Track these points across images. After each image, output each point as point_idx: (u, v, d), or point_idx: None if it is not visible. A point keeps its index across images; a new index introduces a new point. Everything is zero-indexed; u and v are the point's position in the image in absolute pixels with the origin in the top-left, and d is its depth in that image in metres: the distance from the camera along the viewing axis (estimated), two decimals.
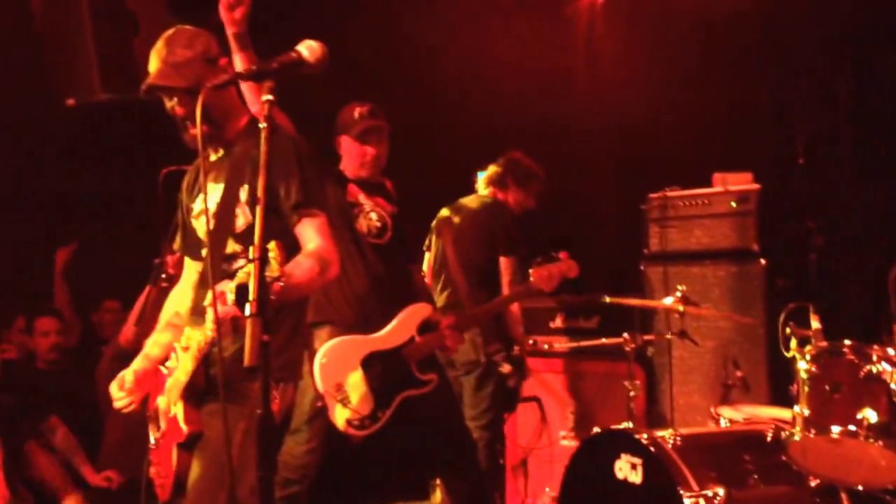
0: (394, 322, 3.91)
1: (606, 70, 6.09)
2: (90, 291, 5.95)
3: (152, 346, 3.02)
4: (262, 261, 2.15)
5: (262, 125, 2.25)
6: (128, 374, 2.95)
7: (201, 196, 2.89)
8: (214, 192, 2.88)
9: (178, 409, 2.82)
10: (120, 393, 2.94)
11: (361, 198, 4.00)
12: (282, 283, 2.21)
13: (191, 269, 3.08)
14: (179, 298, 3.06)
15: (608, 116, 6.05)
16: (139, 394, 2.95)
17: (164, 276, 4.30)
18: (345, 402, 3.82)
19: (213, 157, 2.95)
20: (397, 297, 3.98)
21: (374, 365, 3.88)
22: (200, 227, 2.94)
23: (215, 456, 2.74)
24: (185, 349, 2.83)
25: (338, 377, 3.80)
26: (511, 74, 6.04)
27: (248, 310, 2.06)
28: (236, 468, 2.57)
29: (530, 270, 4.34)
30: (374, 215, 3.99)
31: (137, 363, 2.99)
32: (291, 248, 2.68)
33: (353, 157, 3.96)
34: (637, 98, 5.79)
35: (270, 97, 2.28)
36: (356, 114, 3.95)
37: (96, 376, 4.96)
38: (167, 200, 4.00)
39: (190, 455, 2.83)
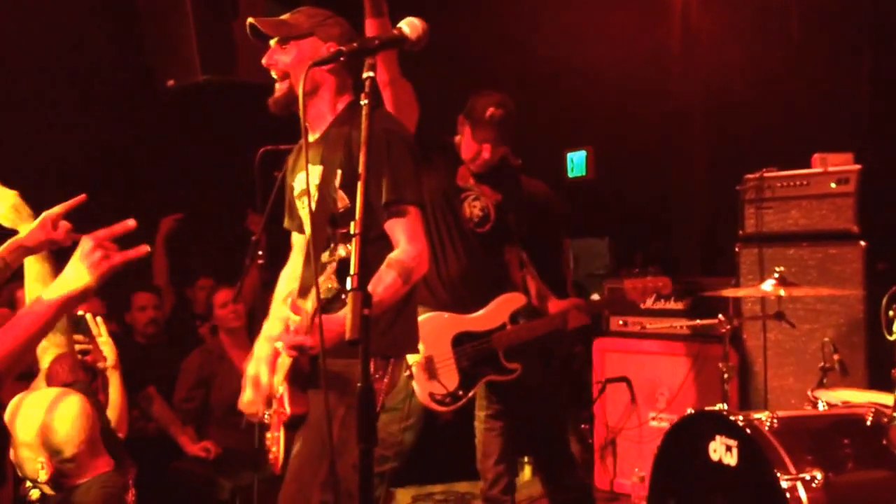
0: (488, 307, 3.97)
1: (702, 50, 6.00)
2: (185, 267, 6.11)
3: (273, 324, 3.07)
4: (364, 237, 2.18)
5: (363, 102, 2.28)
6: (262, 376, 2.99)
7: (301, 176, 2.95)
8: (314, 173, 2.93)
9: (284, 391, 2.89)
10: (252, 397, 2.99)
11: (471, 182, 4.04)
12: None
13: (299, 246, 3.14)
14: (292, 275, 3.12)
15: (704, 97, 5.97)
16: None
17: (260, 252, 4.39)
18: (432, 375, 3.88)
19: (311, 138, 3.00)
20: (492, 286, 4.03)
21: (463, 345, 3.95)
22: (302, 207, 3.00)
23: (317, 432, 2.80)
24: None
25: (429, 350, 3.85)
26: (605, 58, 6.00)
27: (349, 283, 2.09)
28: (338, 444, 2.63)
29: (625, 280, 4.36)
30: (478, 203, 4.02)
31: (261, 348, 3.04)
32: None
33: (469, 148, 4.00)
34: (734, 78, 5.70)
35: (372, 74, 2.30)
36: (487, 113, 3.96)
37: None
38: (263, 179, 4.10)
39: (294, 434, 2.90)
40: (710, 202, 5.86)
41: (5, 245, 3.04)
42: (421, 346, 3.86)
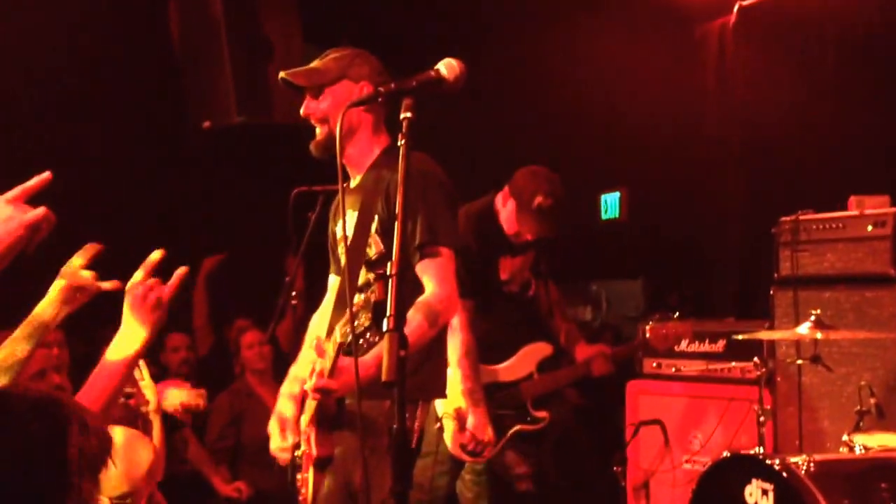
0: (515, 356, 4.02)
1: (738, 91, 6.00)
2: (223, 307, 6.15)
3: (301, 365, 3.08)
4: (401, 277, 2.19)
5: (401, 143, 2.30)
6: (288, 413, 3.00)
7: (340, 222, 3.00)
8: (351, 218, 2.96)
9: (312, 432, 2.90)
10: (281, 442, 2.99)
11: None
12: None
13: (333, 289, 3.17)
14: (324, 317, 3.14)
15: (740, 138, 5.96)
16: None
17: (294, 293, 4.41)
18: (462, 426, 3.88)
19: (352, 184, 3.03)
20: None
21: (492, 395, 3.96)
22: (341, 252, 3.03)
23: (342, 474, 2.81)
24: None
25: (459, 401, 3.85)
26: (640, 97, 6.02)
27: (385, 325, 2.10)
28: (365, 488, 2.63)
29: (647, 327, 4.36)
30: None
31: (289, 387, 3.05)
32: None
33: (511, 226, 4.18)
34: (769, 119, 5.69)
35: (409, 115, 2.32)
36: (535, 203, 4.05)
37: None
38: (296, 220, 4.13)
39: (322, 475, 2.91)
40: (745, 244, 5.83)
41: None
42: (449, 400, 3.87)
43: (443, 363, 3.05)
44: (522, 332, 4.29)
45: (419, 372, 2.88)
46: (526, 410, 4.02)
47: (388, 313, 2.10)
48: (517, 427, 4.03)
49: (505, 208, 4.10)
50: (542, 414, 4.03)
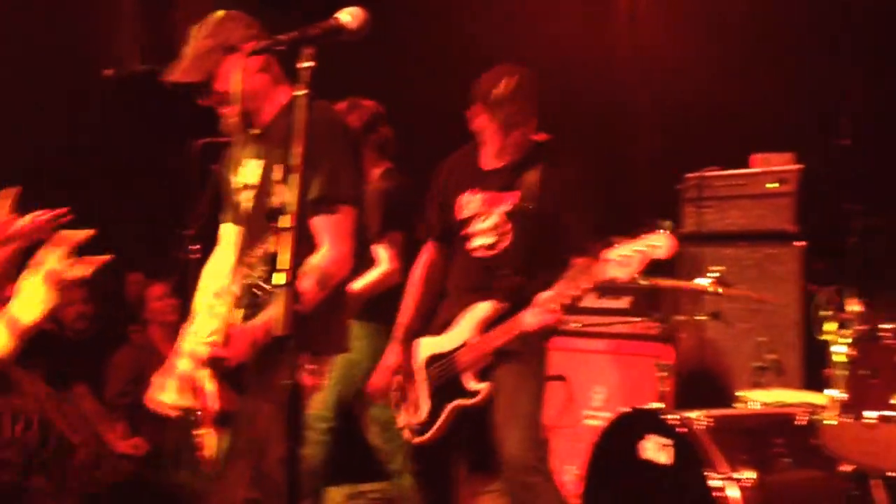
0: (456, 322, 3.70)
1: (649, 49, 6.01)
2: (118, 261, 5.97)
3: (198, 319, 3.01)
4: (299, 232, 2.13)
5: (299, 93, 2.23)
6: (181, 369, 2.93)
7: (240, 171, 2.93)
8: (253, 168, 2.90)
9: (212, 387, 2.83)
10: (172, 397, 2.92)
11: None
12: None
13: (227, 240, 3.09)
14: (218, 268, 3.07)
15: (649, 96, 5.98)
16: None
17: (193, 247, 4.31)
18: (405, 406, 3.82)
19: (255, 132, 2.96)
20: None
21: (430, 371, 3.78)
22: (240, 202, 2.96)
23: (244, 429, 2.77)
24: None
25: (404, 378, 3.81)
26: (550, 56, 5.97)
27: (281, 278, 2.05)
28: (263, 441, 2.59)
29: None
30: None
31: (187, 342, 2.98)
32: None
33: None
34: (679, 78, 5.72)
35: (310, 64, 2.25)
36: None
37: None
38: (201, 172, 4.02)
39: (223, 431, 2.86)
40: (652, 200, 5.87)
41: None
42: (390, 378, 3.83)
43: (346, 319, 3.01)
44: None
45: (324, 328, 2.85)
46: (461, 385, 3.64)
47: (282, 267, 2.04)
48: (454, 403, 3.65)
49: None
50: (480, 385, 3.58)
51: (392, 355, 3.84)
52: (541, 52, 5.99)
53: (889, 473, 3.21)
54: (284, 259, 2.06)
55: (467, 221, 3.71)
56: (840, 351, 3.18)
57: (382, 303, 4.21)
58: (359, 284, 4.16)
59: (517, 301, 3.56)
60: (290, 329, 2.01)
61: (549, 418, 5.07)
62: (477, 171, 3.73)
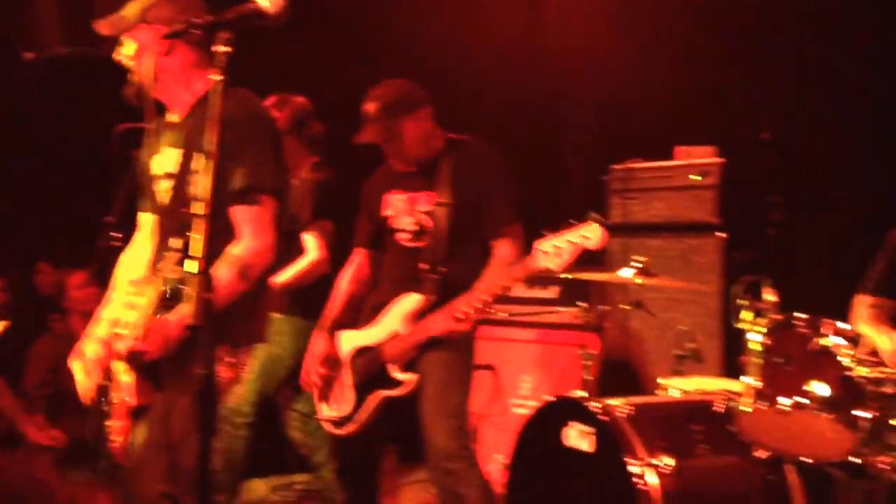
0: (383, 314, 3.74)
1: (577, 43, 6.05)
2: (34, 249, 5.86)
3: (112, 307, 2.97)
4: (213, 219, 2.11)
5: (216, 77, 2.20)
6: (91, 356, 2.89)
7: (157, 158, 2.89)
8: (172, 157, 2.85)
9: (129, 379, 2.79)
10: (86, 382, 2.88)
11: None
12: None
13: (146, 228, 3.05)
14: (136, 257, 3.03)
15: (578, 89, 6.02)
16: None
17: (114, 234, 4.24)
18: (330, 397, 3.81)
19: (173, 119, 2.92)
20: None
21: (355, 363, 3.81)
22: (158, 191, 2.92)
23: (161, 421, 2.73)
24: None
25: (327, 371, 3.80)
26: (480, 48, 6.00)
27: (194, 267, 2.02)
28: (181, 434, 2.57)
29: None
30: None
31: (100, 330, 2.94)
32: None
33: None
34: (607, 71, 5.77)
35: (226, 49, 2.22)
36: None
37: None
38: (122, 158, 3.95)
39: (138, 424, 2.82)
40: (579, 192, 5.92)
41: None
42: (319, 369, 3.82)
43: (266, 309, 2.98)
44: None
45: (245, 318, 2.82)
46: (387, 375, 3.67)
47: (194, 254, 2.02)
48: (379, 395, 3.67)
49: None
50: (406, 376, 3.62)
51: (319, 346, 3.84)
52: (470, 46, 6.02)
53: (802, 458, 3.29)
54: (197, 247, 2.03)
55: (392, 219, 3.83)
56: (755, 339, 3.23)
57: (309, 299, 4.20)
58: (286, 274, 4.15)
59: (444, 293, 3.63)
60: (202, 318, 1.98)
61: (477, 407, 5.11)
62: (395, 174, 3.85)
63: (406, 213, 3.78)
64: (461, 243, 3.70)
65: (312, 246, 4.27)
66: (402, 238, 3.79)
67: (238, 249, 2.71)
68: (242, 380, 4.09)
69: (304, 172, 4.42)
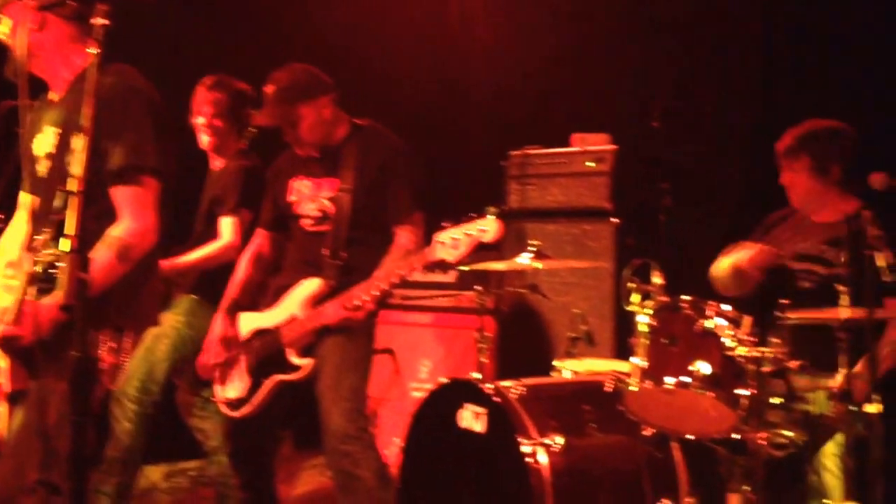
0: (283, 298, 3.76)
1: (476, 28, 6.09)
2: None
3: None
4: (88, 197, 2.08)
5: (92, 51, 2.16)
6: None
7: (39, 138, 2.83)
8: (50, 136, 2.79)
9: (3, 364, 2.73)
10: None
11: None
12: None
13: (26, 207, 2.98)
14: (11, 238, 2.96)
15: (477, 76, 6.06)
16: None
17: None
18: (225, 379, 3.78)
19: (53, 97, 2.85)
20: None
21: (252, 345, 3.81)
22: (39, 170, 2.85)
23: (36, 408, 2.68)
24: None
25: (225, 352, 3.79)
26: (383, 36, 6.00)
27: (66, 245, 1.99)
28: (57, 421, 2.52)
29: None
30: None
31: None
32: None
33: None
34: (505, 59, 5.83)
35: (104, 21, 2.18)
36: None
37: None
38: (6, 136, 3.84)
39: (14, 409, 2.76)
40: (479, 177, 5.96)
41: None
42: (217, 350, 3.81)
43: (155, 293, 2.94)
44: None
45: (129, 301, 2.78)
46: (284, 359, 3.68)
47: (68, 232, 1.99)
48: (275, 379, 3.69)
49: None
50: (303, 361, 3.65)
51: (218, 327, 3.82)
52: (374, 35, 6.01)
53: (687, 435, 3.38)
54: (71, 225, 2.00)
55: (296, 204, 3.84)
56: (643, 321, 3.30)
57: (219, 283, 4.16)
58: (195, 254, 4.12)
59: (345, 278, 3.66)
60: (76, 299, 1.95)
61: (376, 391, 5.13)
62: (300, 159, 3.86)
63: (310, 198, 3.80)
64: (363, 229, 3.74)
65: (227, 231, 4.22)
66: (306, 223, 3.81)
67: (117, 231, 2.66)
68: (150, 356, 4.06)
69: (230, 158, 4.39)
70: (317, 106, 3.75)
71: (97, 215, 2.66)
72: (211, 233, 4.26)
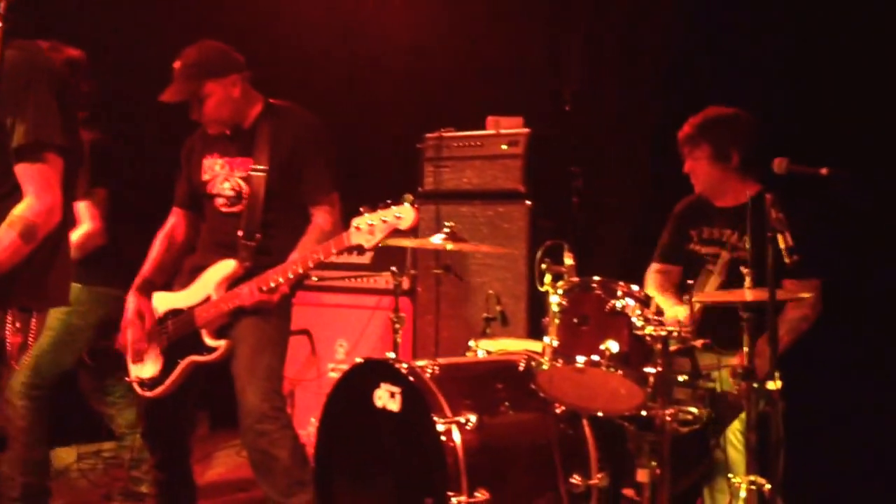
0: (198, 279, 3.75)
1: (393, 11, 6.10)
2: None
3: None
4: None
5: None
6: None
7: None
8: None
9: None
10: None
11: None
12: None
13: None
14: None
15: (394, 57, 6.07)
16: None
17: None
18: (138, 358, 3.75)
19: None
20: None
21: (166, 325, 3.79)
22: None
23: None
24: None
25: (135, 332, 3.76)
26: (297, 19, 5.97)
27: None
28: None
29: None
30: None
31: None
32: None
33: None
34: (421, 41, 5.85)
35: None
36: None
37: None
38: None
39: None
40: (394, 159, 6.00)
41: None
42: (129, 332, 3.77)
43: (65, 272, 2.91)
44: None
45: (37, 280, 2.75)
46: (199, 340, 3.68)
47: None
48: (188, 359, 3.69)
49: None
50: (218, 342, 3.65)
51: (132, 306, 3.79)
52: (287, 16, 5.98)
53: (597, 413, 3.47)
54: None
55: (210, 183, 3.83)
56: (555, 301, 3.38)
57: (105, 266, 4.11)
58: None
59: (260, 259, 3.66)
60: None
61: (293, 372, 5.15)
62: (214, 138, 3.84)
63: (223, 178, 3.79)
64: (278, 210, 3.74)
65: (84, 217, 4.13)
66: (220, 203, 3.79)
67: (21, 209, 2.62)
68: (36, 349, 4.00)
69: None
70: (224, 84, 3.73)
71: (6, 194, 2.63)
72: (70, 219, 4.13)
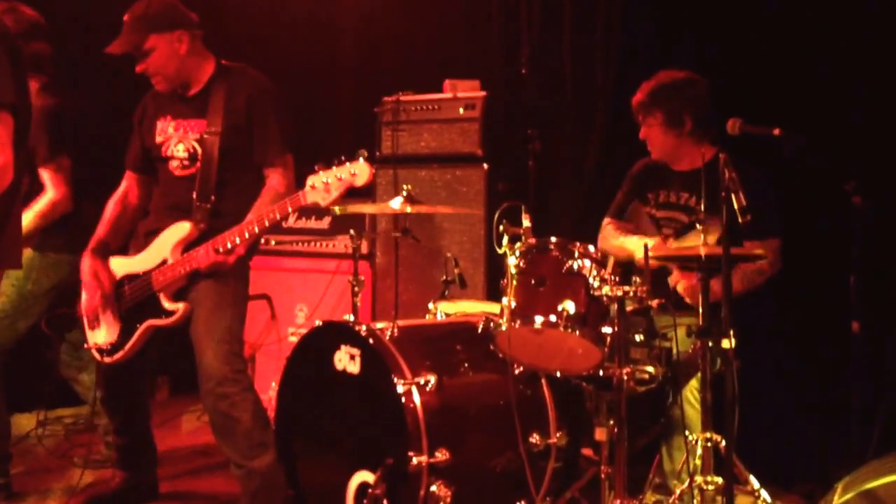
0: (153, 243, 3.73)
1: None
2: None
3: None
4: None
5: None
6: None
7: None
8: None
9: None
10: None
11: None
12: None
13: None
14: None
15: (350, 20, 6.04)
16: None
17: None
18: (95, 324, 3.73)
19: None
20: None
21: (123, 290, 3.77)
22: None
23: None
24: None
25: (92, 298, 3.73)
26: None
27: None
28: None
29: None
30: None
31: None
32: None
33: None
34: (379, 3, 5.82)
35: None
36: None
37: None
38: None
39: None
40: (351, 123, 5.98)
41: None
42: (85, 295, 3.75)
43: (16, 233, 2.88)
44: None
45: None
46: (158, 304, 3.67)
47: None
48: (147, 324, 3.68)
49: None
50: (176, 306, 3.65)
51: (87, 268, 3.76)
52: None
53: (555, 373, 3.52)
54: None
55: (163, 146, 3.80)
56: (513, 263, 3.40)
57: (61, 232, 4.07)
58: (28, 218, 3.97)
59: (215, 222, 3.64)
60: None
61: (254, 337, 5.15)
62: (165, 99, 3.83)
63: (177, 140, 3.77)
64: (232, 172, 3.73)
65: (49, 185, 4.07)
66: (173, 166, 3.77)
67: None
68: None
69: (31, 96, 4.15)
70: (170, 39, 3.70)
71: None
72: (36, 187, 4.08)
